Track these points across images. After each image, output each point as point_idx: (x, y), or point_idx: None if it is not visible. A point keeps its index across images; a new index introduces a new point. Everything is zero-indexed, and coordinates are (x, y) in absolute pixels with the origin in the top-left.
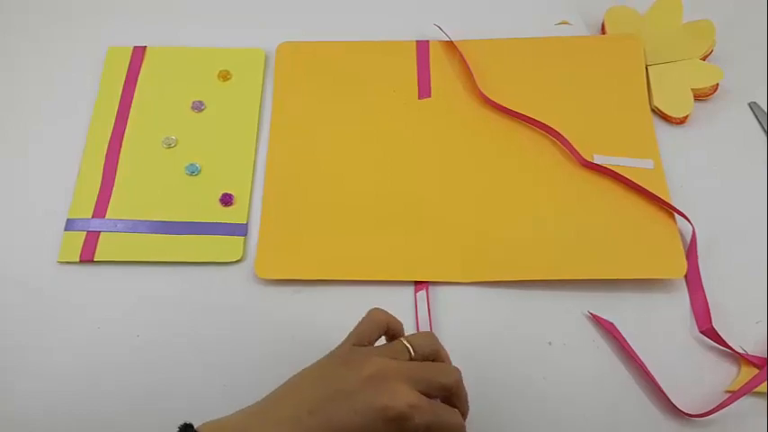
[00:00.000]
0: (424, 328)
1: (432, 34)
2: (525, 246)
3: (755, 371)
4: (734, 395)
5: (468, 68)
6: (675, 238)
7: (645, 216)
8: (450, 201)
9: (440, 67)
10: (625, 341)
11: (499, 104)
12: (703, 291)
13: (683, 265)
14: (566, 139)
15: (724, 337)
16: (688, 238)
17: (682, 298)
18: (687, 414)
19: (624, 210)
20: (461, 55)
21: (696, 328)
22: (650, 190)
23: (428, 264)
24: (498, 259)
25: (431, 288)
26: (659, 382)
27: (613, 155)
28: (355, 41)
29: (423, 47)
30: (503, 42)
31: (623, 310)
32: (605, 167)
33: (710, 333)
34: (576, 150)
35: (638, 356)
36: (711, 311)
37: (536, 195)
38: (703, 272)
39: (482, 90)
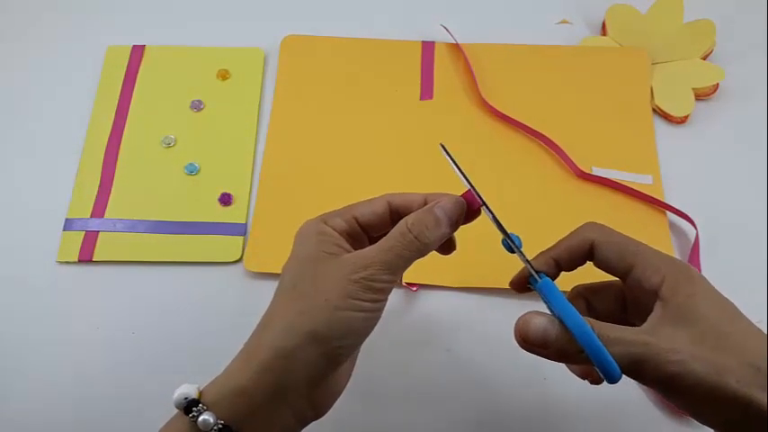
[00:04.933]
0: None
1: (438, 36)
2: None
3: None
4: None
5: (472, 73)
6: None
7: (640, 233)
8: None
9: (444, 69)
10: None
11: (500, 112)
12: None
13: None
14: (562, 151)
15: None
16: (690, 238)
17: None
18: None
19: (620, 224)
20: (466, 58)
21: None
22: (647, 200)
23: (421, 267)
24: (494, 265)
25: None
26: None
27: (612, 168)
28: (361, 38)
29: (428, 48)
30: (509, 48)
31: None
32: (602, 177)
33: None
34: (571, 161)
35: None
36: None
37: (532, 204)
38: (703, 272)
39: (484, 96)
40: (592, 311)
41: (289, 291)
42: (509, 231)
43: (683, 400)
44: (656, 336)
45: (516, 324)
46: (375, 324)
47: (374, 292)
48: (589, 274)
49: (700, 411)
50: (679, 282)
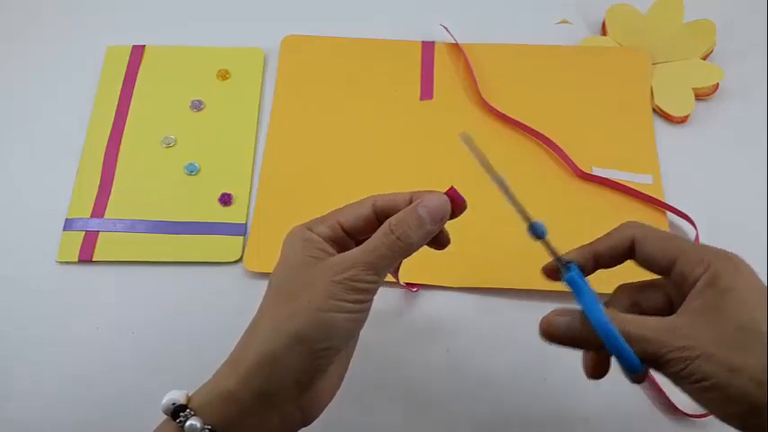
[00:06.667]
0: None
1: (438, 36)
2: (520, 254)
3: None
4: None
5: (472, 73)
6: None
7: None
8: None
9: (444, 69)
10: None
11: (499, 112)
12: None
13: None
14: (562, 151)
15: None
16: (690, 239)
17: None
18: (687, 414)
19: (619, 222)
20: (466, 58)
21: None
22: (647, 200)
23: (422, 267)
24: (494, 266)
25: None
26: (659, 382)
27: (612, 168)
28: (361, 38)
29: (428, 48)
30: (509, 48)
31: None
32: (602, 177)
33: None
34: (571, 161)
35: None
36: None
37: (532, 204)
38: None
39: (484, 96)
40: (636, 310)
41: (274, 295)
42: (532, 220)
43: (694, 395)
44: (676, 331)
45: (540, 325)
46: (360, 326)
47: (358, 292)
48: (625, 276)
49: (711, 407)
50: (721, 273)
